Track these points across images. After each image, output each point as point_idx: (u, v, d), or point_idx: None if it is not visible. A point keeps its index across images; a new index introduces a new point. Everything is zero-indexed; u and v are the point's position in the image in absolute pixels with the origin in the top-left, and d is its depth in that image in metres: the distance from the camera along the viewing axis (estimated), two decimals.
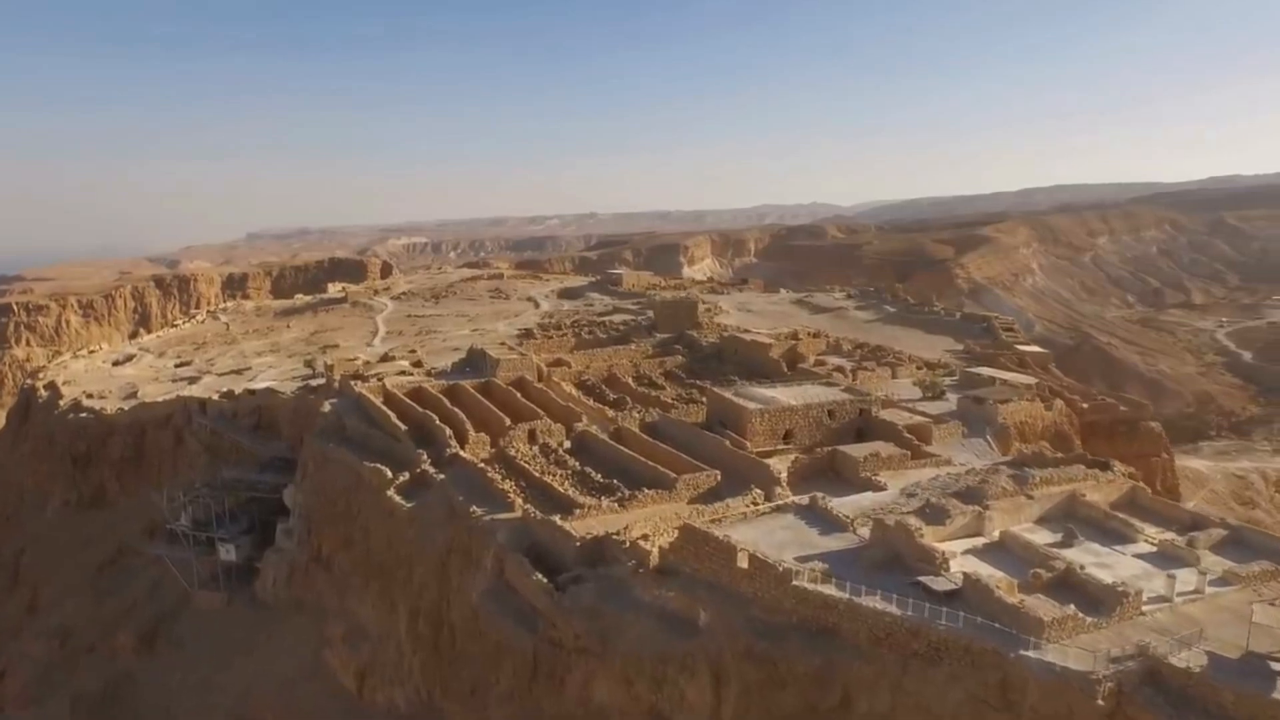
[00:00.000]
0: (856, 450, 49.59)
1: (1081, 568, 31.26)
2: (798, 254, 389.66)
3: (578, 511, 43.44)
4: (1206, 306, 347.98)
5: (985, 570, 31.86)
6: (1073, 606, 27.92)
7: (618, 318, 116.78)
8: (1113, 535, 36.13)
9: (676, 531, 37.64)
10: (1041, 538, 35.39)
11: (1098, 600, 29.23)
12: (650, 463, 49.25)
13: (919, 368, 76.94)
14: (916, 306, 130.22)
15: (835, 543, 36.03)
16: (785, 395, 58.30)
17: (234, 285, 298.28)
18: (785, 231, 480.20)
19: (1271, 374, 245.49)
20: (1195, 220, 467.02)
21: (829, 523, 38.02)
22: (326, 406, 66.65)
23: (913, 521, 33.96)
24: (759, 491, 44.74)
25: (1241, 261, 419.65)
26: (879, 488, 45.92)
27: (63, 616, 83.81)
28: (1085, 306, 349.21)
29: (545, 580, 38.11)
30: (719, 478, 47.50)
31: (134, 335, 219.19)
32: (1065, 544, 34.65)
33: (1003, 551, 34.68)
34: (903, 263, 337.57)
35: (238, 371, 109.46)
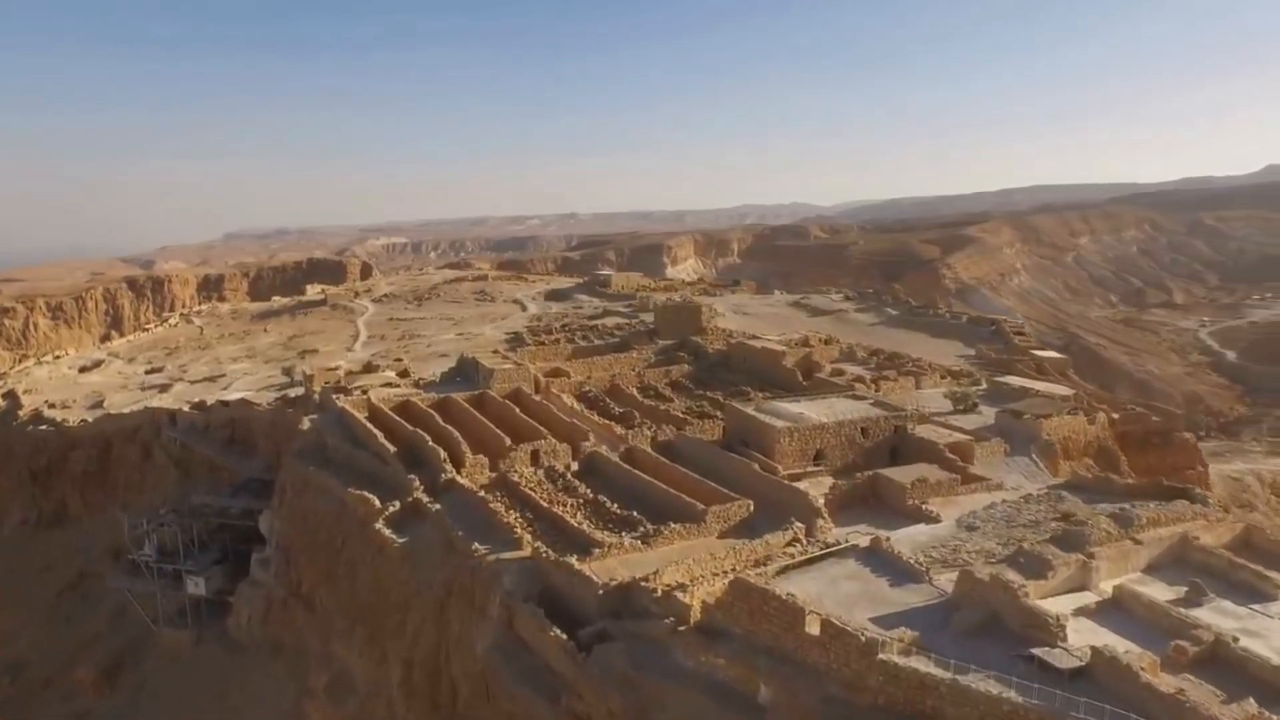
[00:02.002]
0: (901, 475, 44.58)
1: (1235, 639, 26.05)
2: (783, 254, 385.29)
3: (596, 551, 38.10)
4: (1188, 306, 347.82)
5: (1108, 638, 26.47)
6: (1253, 701, 22.53)
7: (610, 321, 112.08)
8: (1244, 590, 30.51)
9: (721, 581, 32.46)
10: (1158, 592, 29.94)
11: (1271, 687, 23.85)
12: (673, 490, 44.01)
13: (943, 377, 72.17)
14: (920, 309, 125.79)
15: (911, 596, 30.69)
16: (813, 411, 53.25)
17: (210, 287, 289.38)
18: (768, 231, 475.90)
19: (1256, 374, 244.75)
20: (1173, 220, 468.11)
21: (899, 570, 32.68)
22: (306, 423, 60.88)
23: (1012, 577, 28.70)
24: (799, 525, 39.61)
25: (1220, 261, 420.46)
26: (932, 519, 40.91)
27: (18, 648, 77.46)
28: (1070, 306, 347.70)
29: (565, 637, 32.75)
30: (751, 508, 42.39)
31: (106, 339, 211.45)
32: (1192, 602, 29.05)
33: (1120, 612, 29.00)
34: (889, 263, 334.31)
35: (211, 379, 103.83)
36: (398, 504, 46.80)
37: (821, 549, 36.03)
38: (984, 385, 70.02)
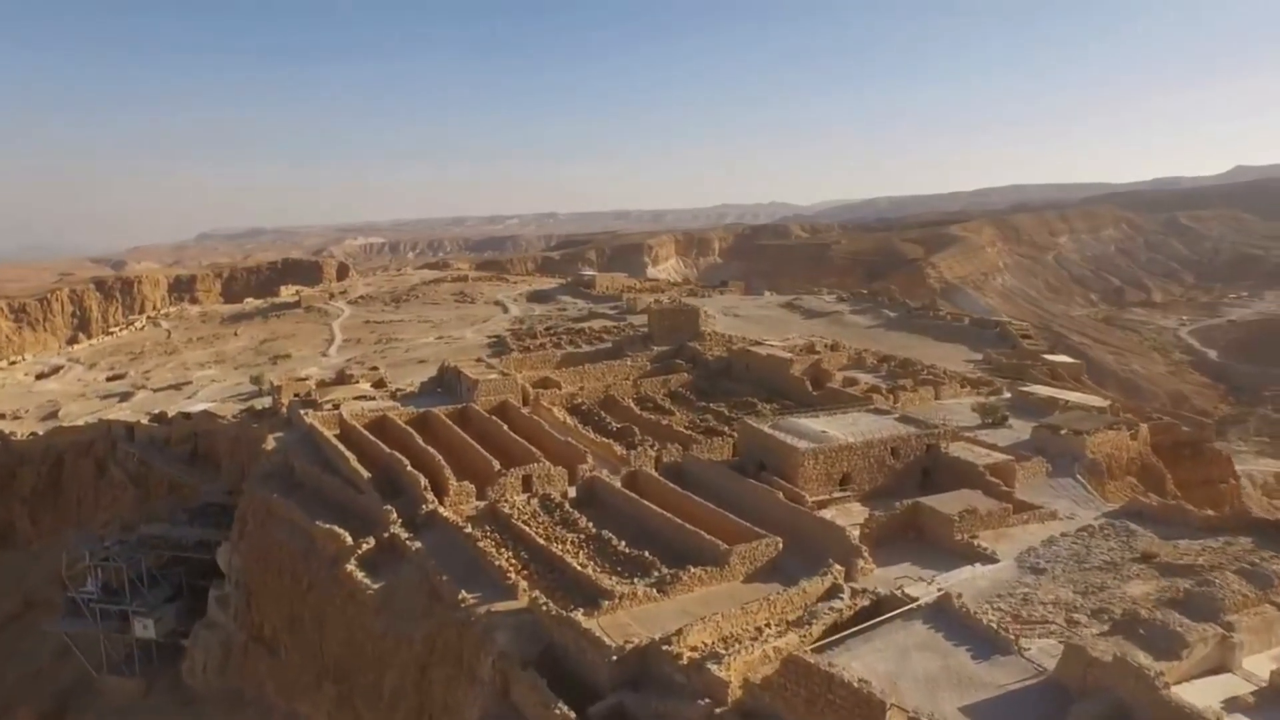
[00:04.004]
0: (946, 504, 39.33)
1: None
2: (765, 254, 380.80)
3: (605, 603, 32.57)
4: (1167, 305, 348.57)
5: None
6: None
7: (597, 324, 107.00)
8: None
9: (760, 646, 27.11)
10: None
11: None
12: (688, 525, 38.57)
13: (962, 385, 67.18)
14: (920, 311, 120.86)
15: (1001, 674, 25.04)
16: (836, 429, 47.93)
17: (181, 288, 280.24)
18: (749, 231, 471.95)
19: (1238, 373, 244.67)
20: (1150, 220, 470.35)
21: (978, 637, 27.09)
22: (271, 442, 54.92)
23: (1142, 659, 23.31)
24: (838, 567, 34.31)
25: (1196, 260, 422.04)
26: (987, 558, 35.69)
27: None
28: (1052, 305, 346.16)
29: (574, 716, 27.24)
30: (780, 546, 37.03)
31: (73, 342, 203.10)
32: None
33: None
34: (874, 262, 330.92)
35: (176, 387, 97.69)
36: (372, 540, 41.02)
37: (871, 601, 30.70)
38: (1007, 394, 65.12)
